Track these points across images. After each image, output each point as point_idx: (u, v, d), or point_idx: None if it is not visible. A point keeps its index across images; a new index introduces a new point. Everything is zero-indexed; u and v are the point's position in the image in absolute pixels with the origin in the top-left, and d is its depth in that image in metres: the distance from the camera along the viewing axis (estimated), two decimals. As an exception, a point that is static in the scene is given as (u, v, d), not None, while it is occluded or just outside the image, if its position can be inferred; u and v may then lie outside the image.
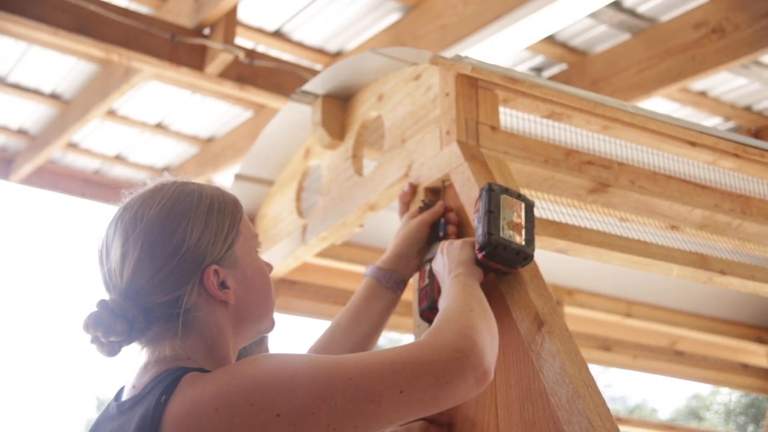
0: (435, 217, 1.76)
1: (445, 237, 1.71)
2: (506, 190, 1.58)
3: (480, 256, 1.54)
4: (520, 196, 1.59)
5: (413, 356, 1.19)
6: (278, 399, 1.10)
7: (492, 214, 1.53)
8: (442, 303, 1.44)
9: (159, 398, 1.13)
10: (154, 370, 1.22)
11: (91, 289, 1.30)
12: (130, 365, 1.29)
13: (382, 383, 1.15)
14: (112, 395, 1.31)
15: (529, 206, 1.60)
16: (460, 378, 1.20)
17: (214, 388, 1.12)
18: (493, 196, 1.56)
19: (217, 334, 1.27)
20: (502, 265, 1.55)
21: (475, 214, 1.58)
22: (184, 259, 1.23)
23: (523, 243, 1.54)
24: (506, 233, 1.53)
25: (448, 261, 1.56)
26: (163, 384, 1.15)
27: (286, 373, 1.13)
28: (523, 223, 1.56)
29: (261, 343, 2.14)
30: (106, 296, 1.26)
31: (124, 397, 1.24)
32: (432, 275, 1.66)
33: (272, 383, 1.12)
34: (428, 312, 1.66)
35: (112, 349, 1.24)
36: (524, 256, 1.54)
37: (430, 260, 1.68)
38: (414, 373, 1.17)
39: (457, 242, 1.60)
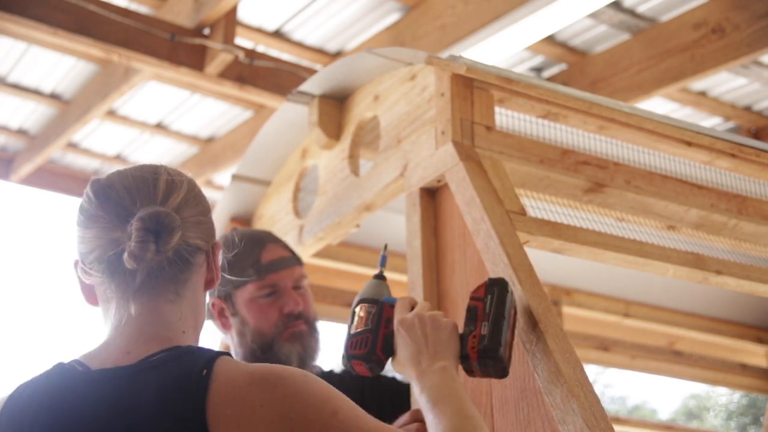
0: None
1: (382, 276, 1.54)
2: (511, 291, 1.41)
3: (473, 356, 1.36)
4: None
5: None
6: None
7: (504, 320, 1.37)
8: (433, 398, 1.29)
9: (200, 372, 1.14)
10: (155, 343, 1.22)
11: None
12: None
13: None
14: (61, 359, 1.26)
15: (515, 313, 1.43)
16: None
17: (270, 398, 1.14)
18: (509, 297, 1.40)
19: (202, 314, 1.33)
20: (480, 373, 1.38)
21: (475, 302, 1.40)
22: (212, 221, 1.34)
23: (509, 360, 1.39)
24: (507, 346, 1.37)
25: (430, 341, 1.37)
26: (191, 359, 1.18)
27: (329, 408, 1.14)
28: (514, 336, 1.41)
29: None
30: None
31: (108, 363, 1.21)
32: (378, 322, 1.43)
33: (316, 412, 1.13)
34: (357, 362, 1.42)
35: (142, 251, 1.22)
36: (502, 374, 1.39)
37: (373, 301, 1.47)
38: None
39: (441, 320, 1.40)
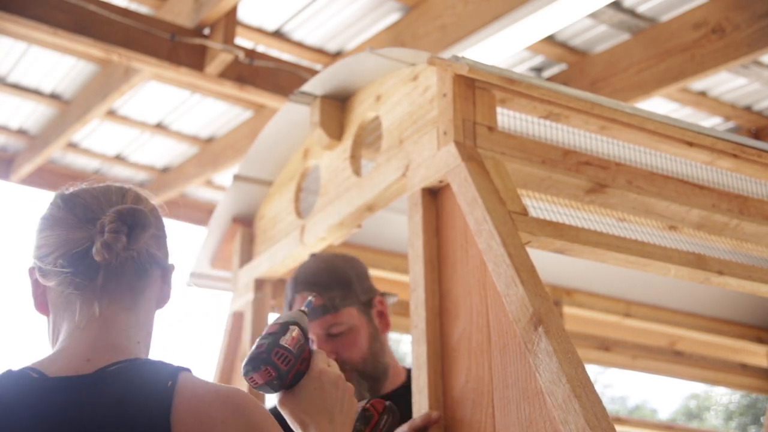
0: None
1: (306, 314, 1.53)
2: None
3: None
4: None
5: None
6: None
7: None
8: None
9: (165, 383, 1.17)
10: (114, 352, 1.23)
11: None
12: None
13: None
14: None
15: None
16: None
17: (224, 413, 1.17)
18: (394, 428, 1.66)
19: (152, 329, 1.34)
20: None
21: (374, 410, 1.62)
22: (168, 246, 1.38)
23: None
24: None
25: (345, 410, 1.42)
26: (153, 370, 1.20)
27: None
28: None
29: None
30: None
31: (67, 370, 1.20)
32: (300, 354, 1.43)
33: None
34: (271, 369, 1.39)
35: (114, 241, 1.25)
36: None
37: (304, 333, 1.46)
38: None
39: (354, 396, 1.46)
